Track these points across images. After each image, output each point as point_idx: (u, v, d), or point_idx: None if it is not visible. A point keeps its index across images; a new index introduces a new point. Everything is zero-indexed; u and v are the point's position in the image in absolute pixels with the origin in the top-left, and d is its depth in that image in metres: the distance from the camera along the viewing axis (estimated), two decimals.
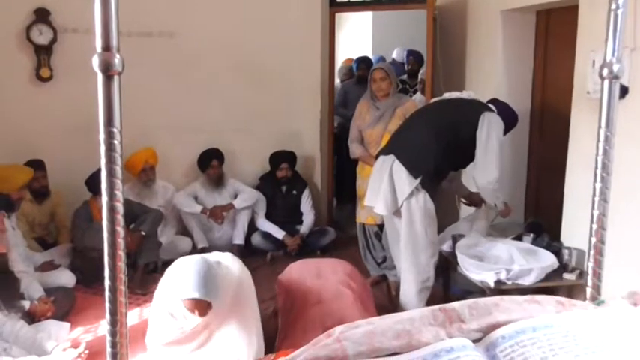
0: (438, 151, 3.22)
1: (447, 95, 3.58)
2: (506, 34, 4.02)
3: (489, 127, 3.19)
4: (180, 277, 2.60)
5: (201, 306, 2.58)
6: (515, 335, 0.86)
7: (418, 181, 3.17)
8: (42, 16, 4.48)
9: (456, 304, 0.92)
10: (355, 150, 4.08)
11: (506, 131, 3.41)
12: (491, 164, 3.19)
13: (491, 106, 3.34)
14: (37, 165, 4.14)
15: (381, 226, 3.84)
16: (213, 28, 4.83)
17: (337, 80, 6.77)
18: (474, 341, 0.88)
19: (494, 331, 0.88)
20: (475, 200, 3.60)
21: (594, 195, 1.36)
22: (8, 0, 4.43)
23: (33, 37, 4.47)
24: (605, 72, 1.34)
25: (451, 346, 0.85)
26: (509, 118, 3.40)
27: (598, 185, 1.36)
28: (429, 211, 3.22)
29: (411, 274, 3.27)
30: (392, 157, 3.28)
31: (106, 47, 1.02)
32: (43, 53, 4.52)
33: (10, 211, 3.48)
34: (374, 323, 0.87)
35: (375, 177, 3.38)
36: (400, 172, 3.21)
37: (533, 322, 0.88)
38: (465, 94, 3.52)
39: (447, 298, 3.51)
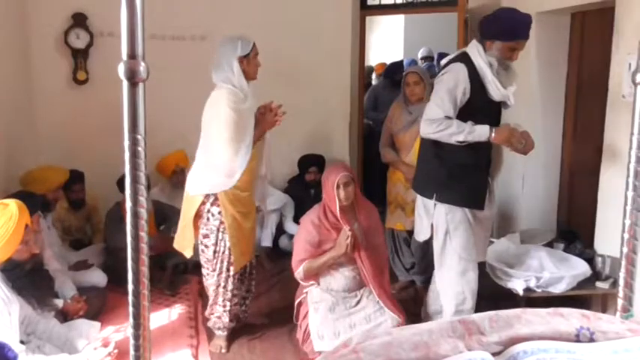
0: (438, 159, 2.95)
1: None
2: (540, 36, 3.94)
3: (437, 86, 2.83)
4: None
5: None
6: (537, 352, 0.84)
7: (434, 199, 2.96)
8: (79, 20, 4.59)
9: (475, 316, 0.90)
10: (385, 154, 4.05)
11: (510, 37, 2.72)
12: (426, 115, 2.81)
13: (466, 52, 2.86)
14: (76, 176, 4.13)
15: (410, 232, 3.80)
16: (245, 31, 4.84)
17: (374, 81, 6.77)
18: (494, 354, 0.86)
19: (516, 345, 0.86)
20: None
21: (626, 204, 1.32)
22: (48, 5, 4.55)
23: (70, 40, 4.58)
24: (638, 77, 1.30)
25: (470, 359, 0.84)
26: (501, 24, 2.75)
27: (630, 193, 1.32)
28: (451, 221, 2.91)
29: (445, 296, 3.03)
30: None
31: (132, 55, 1.04)
32: (79, 56, 4.62)
33: (45, 211, 3.55)
34: (392, 334, 0.86)
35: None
36: (419, 199, 3.12)
37: (557, 344, 0.85)
38: (452, 55, 3.02)
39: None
